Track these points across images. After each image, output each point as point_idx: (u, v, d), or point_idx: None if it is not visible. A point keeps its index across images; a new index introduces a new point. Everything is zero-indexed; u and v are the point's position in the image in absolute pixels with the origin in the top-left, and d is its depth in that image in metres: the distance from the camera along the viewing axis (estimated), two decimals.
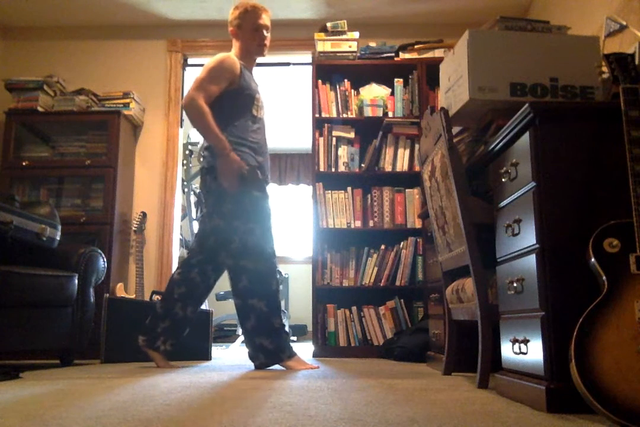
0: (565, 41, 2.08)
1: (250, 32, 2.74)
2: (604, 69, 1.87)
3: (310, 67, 3.97)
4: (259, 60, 2.87)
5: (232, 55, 2.70)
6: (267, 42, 2.80)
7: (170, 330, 2.67)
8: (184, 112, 4.22)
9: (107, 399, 1.58)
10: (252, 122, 2.70)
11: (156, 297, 3.42)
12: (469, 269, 1.97)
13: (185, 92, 2.66)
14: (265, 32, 2.76)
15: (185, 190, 5.56)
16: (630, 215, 1.33)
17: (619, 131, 1.43)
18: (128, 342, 2.96)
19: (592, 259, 1.35)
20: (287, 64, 4.37)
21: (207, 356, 3.26)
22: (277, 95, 5.53)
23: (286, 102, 5.73)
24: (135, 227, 3.89)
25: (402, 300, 3.61)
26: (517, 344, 1.59)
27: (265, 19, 2.77)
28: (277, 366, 2.59)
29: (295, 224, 6.97)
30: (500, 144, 1.77)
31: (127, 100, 3.93)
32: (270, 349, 2.54)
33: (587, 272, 1.38)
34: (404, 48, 3.85)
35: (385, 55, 3.85)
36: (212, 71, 2.61)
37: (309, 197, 6.38)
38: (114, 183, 3.75)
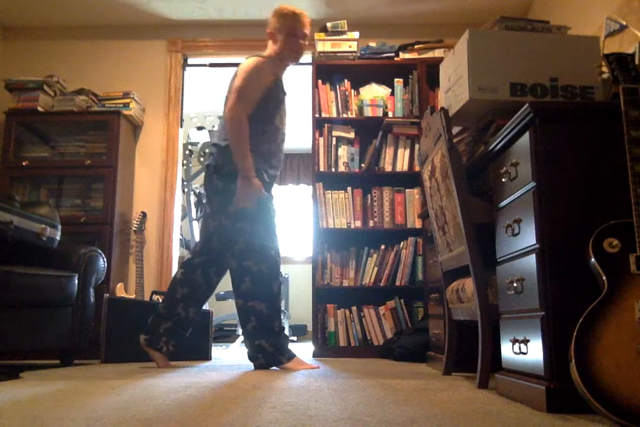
0: (565, 41, 2.08)
1: (287, 37, 2.70)
2: (604, 69, 1.87)
3: (310, 67, 3.97)
4: None
5: (267, 61, 2.65)
6: (302, 50, 2.75)
7: (173, 330, 2.66)
8: (183, 112, 4.26)
9: (107, 399, 1.58)
10: (272, 131, 2.67)
11: (156, 297, 3.42)
12: (469, 269, 1.97)
13: (231, 99, 2.58)
14: (302, 40, 2.73)
15: (185, 190, 5.56)
16: (630, 215, 1.33)
17: (619, 131, 1.43)
18: (128, 342, 2.96)
19: (592, 259, 1.35)
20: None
21: (207, 356, 3.26)
22: None
23: (286, 102, 5.72)
24: (135, 227, 3.89)
25: (402, 300, 3.61)
26: (517, 344, 1.59)
27: (304, 26, 2.73)
28: (276, 367, 2.59)
29: (295, 224, 6.97)
30: (500, 144, 1.77)
31: (127, 100, 3.93)
32: (269, 351, 2.54)
33: (587, 272, 1.38)
34: (404, 48, 3.85)
35: (385, 55, 3.85)
36: (251, 78, 2.57)
37: (309, 197, 6.38)
38: (114, 183, 3.75)
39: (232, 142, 2.54)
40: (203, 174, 5.60)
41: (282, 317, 2.63)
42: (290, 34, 2.70)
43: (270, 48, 2.75)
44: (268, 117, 2.66)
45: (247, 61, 2.65)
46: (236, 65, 2.72)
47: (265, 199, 2.62)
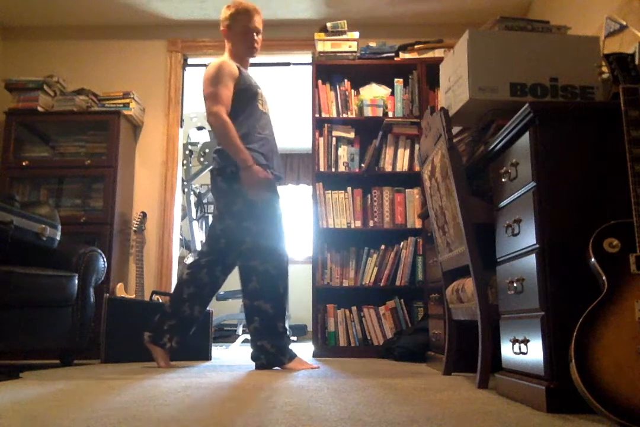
0: (565, 41, 2.08)
1: (239, 35, 2.73)
2: (604, 69, 1.87)
3: (310, 67, 3.97)
4: (259, 60, 2.88)
5: (226, 60, 2.69)
6: (258, 44, 2.78)
7: (177, 328, 2.67)
8: (183, 112, 4.26)
9: (107, 399, 1.58)
10: (258, 117, 2.70)
11: (156, 297, 3.42)
12: (469, 269, 1.97)
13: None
14: (255, 35, 2.75)
15: (185, 190, 5.56)
16: (630, 215, 1.33)
17: (619, 131, 1.43)
18: (128, 342, 2.96)
19: (592, 259, 1.35)
20: (287, 64, 4.37)
21: (207, 356, 3.26)
22: (277, 95, 5.53)
23: (286, 102, 5.73)
24: (135, 227, 3.89)
25: (402, 300, 3.61)
26: (517, 344, 1.59)
27: (256, 21, 2.75)
28: (277, 367, 2.59)
29: (295, 224, 6.97)
30: (500, 144, 1.77)
31: (127, 100, 3.93)
32: (271, 351, 2.55)
33: (587, 272, 1.38)
34: (404, 48, 3.85)
35: (385, 55, 3.85)
36: (215, 79, 2.60)
37: (309, 197, 6.38)
38: (114, 183, 3.75)
39: (222, 142, 2.58)
40: (203, 174, 5.63)
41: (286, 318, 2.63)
42: (244, 31, 2.73)
43: (227, 48, 2.78)
44: (249, 105, 2.68)
45: (207, 68, 2.68)
46: None
47: (271, 198, 2.63)
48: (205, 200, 5.83)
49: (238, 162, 2.54)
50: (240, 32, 2.73)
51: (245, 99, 2.67)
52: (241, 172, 2.54)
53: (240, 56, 2.77)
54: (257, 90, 2.74)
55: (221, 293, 5.24)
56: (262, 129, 2.71)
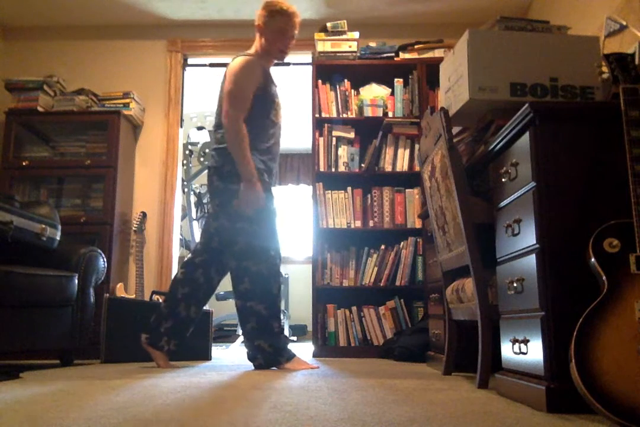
0: (565, 41, 2.08)
1: (275, 35, 2.67)
2: (604, 69, 1.87)
3: (310, 67, 3.97)
4: None
5: (255, 59, 2.63)
6: (289, 49, 2.73)
7: (173, 329, 2.66)
8: (183, 112, 4.26)
9: (107, 399, 1.58)
10: (268, 127, 2.67)
11: (156, 297, 3.42)
12: (469, 269, 1.97)
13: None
14: (291, 40, 2.71)
15: (185, 190, 5.56)
16: (630, 215, 1.33)
17: (619, 131, 1.43)
18: (128, 342, 2.96)
19: (592, 259, 1.35)
20: (287, 64, 4.37)
21: (207, 356, 3.26)
22: None
23: (286, 102, 5.72)
24: (135, 227, 3.89)
25: (402, 300, 3.61)
26: (517, 344, 1.59)
27: (295, 26, 2.70)
28: (275, 367, 2.59)
29: (295, 224, 6.97)
30: (500, 144, 1.77)
31: (127, 100, 3.93)
32: (269, 351, 2.54)
33: (587, 272, 1.38)
34: (404, 48, 3.85)
35: (385, 55, 3.85)
36: (241, 79, 2.56)
37: (309, 197, 6.38)
38: (114, 183, 3.75)
39: (232, 148, 2.53)
40: (203, 174, 5.64)
41: (282, 317, 2.62)
42: (281, 32, 2.67)
43: (257, 43, 2.73)
44: (263, 113, 2.66)
45: (234, 62, 2.63)
46: None
47: (266, 199, 2.62)
48: (205, 200, 5.83)
49: (242, 173, 2.51)
50: (276, 32, 2.66)
51: (261, 105, 2.63)
52: (242, 184, 2.51)
53: (269, 55, 2.72)
54: (275, 100, 2.71)
55: (221, 293, 5.24)
56: (269, 139, 2.68)
